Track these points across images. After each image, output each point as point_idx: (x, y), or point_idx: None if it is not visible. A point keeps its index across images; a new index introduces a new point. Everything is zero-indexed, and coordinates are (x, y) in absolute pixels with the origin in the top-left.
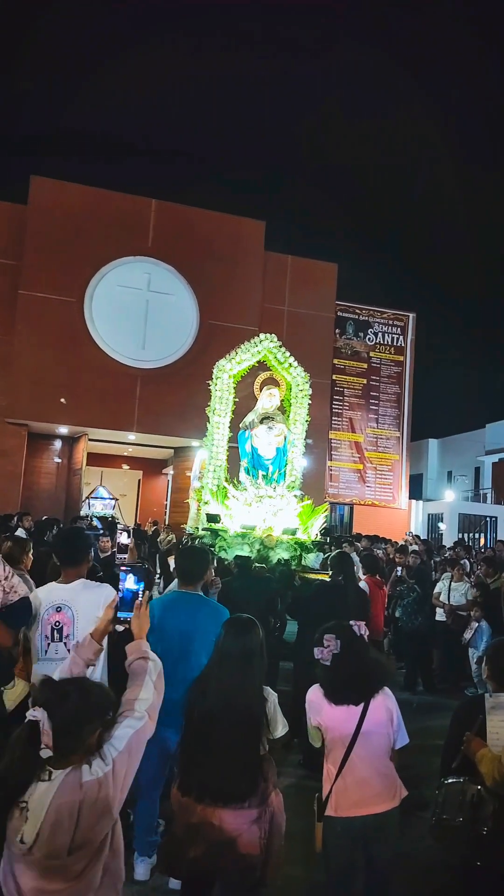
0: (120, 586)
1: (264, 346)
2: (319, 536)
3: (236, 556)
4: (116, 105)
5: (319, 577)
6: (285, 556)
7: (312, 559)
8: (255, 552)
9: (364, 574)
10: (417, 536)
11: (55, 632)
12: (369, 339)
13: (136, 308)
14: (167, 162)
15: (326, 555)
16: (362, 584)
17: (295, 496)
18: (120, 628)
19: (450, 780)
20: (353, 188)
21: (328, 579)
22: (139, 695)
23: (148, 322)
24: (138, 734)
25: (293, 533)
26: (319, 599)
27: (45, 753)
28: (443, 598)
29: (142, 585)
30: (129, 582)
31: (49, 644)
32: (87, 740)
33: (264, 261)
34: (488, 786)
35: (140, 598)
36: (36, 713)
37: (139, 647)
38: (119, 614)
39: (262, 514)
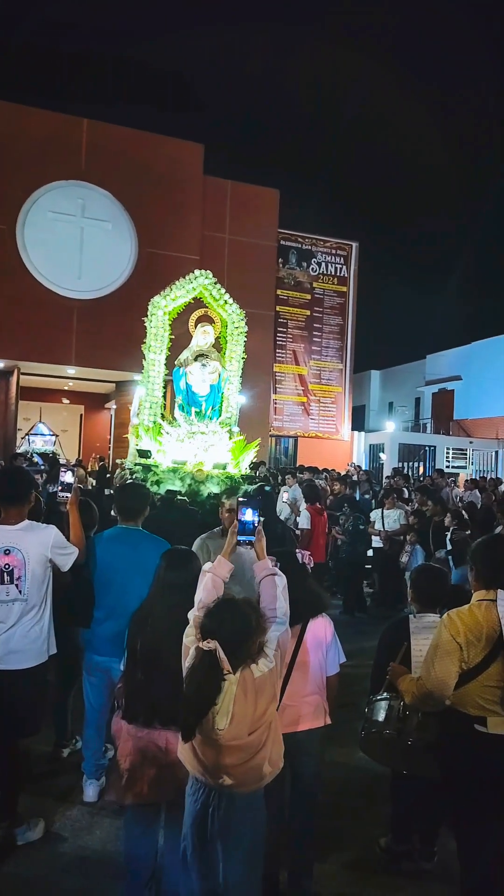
0: (238, 517)
1: (199, 283)
2: (249, 470)
3: (166, 490)
4: (45, 14)
5: None
6: (216, 490)
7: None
8: (187, 486)
9: (306, 504)
10: (359, 467)
11: (4, 574)
12: (312, 269)
13: (71, 236)
14: (97, 79)
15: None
16: (304, 514)
17: (229, 432)
18: (247, 548)
19: (377, 697)
20: (293, 111)
21: None
22: (277, 605)
23: (83, 251)
24: (283, 635)
25: (224, 467)
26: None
27: (231, 678)
28: (377, 525)
29: (257, 514)
30: (248, 514)
31: None
32: (252, 649)
33: (203, 186)
34: (407, 703)
35: (259, 526)
36: (210, 644)
37: (266, 565)
38: (239, 538)
39: (193, 450)
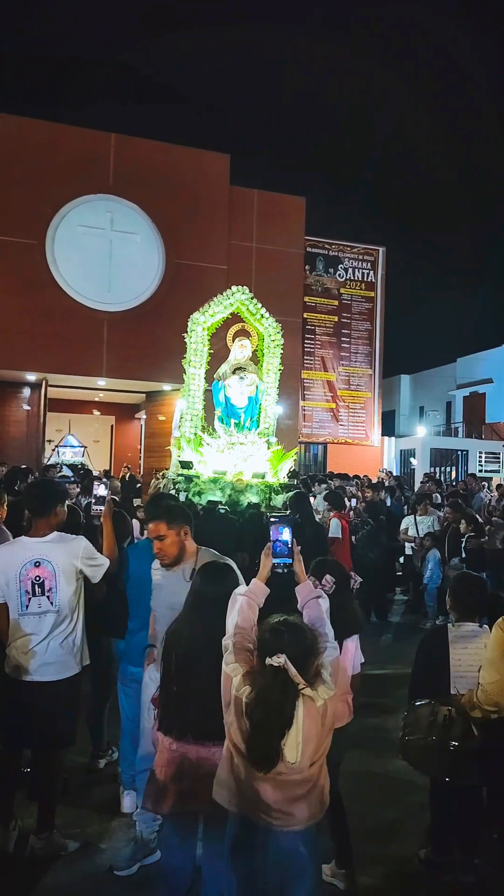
0: (272, 536)
1: (236, 299)
2: (287, 479)
3: (208, 500)
4: (69, 34)
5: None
6: (255, 499)
7: (281, 501)
8: (227, 496)
9: (332, 511)
10: (389, 472)
11: (36, 586)
12: (339, 275)
13: (100, 249)
14: (124, 95)
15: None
16: (335, 521)
17: (267, 442)
18: (279, 571)
19: (420, 703)
20: (319, 120)
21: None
22: (326, 629)
23: (112, 263)
24: (336, 660)
25: (262, 476)
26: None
27: (308, 691)
28: (411, 532)
29: (291, 535)
30: (284, 534)
31: (31, 599)
32: (310, 671)
33: (230, 196)
34: (476, 717)
35: (296, 547)
36: (280, 659)
37: (309, 588)
38: (275, 561)
39: (233, 460)
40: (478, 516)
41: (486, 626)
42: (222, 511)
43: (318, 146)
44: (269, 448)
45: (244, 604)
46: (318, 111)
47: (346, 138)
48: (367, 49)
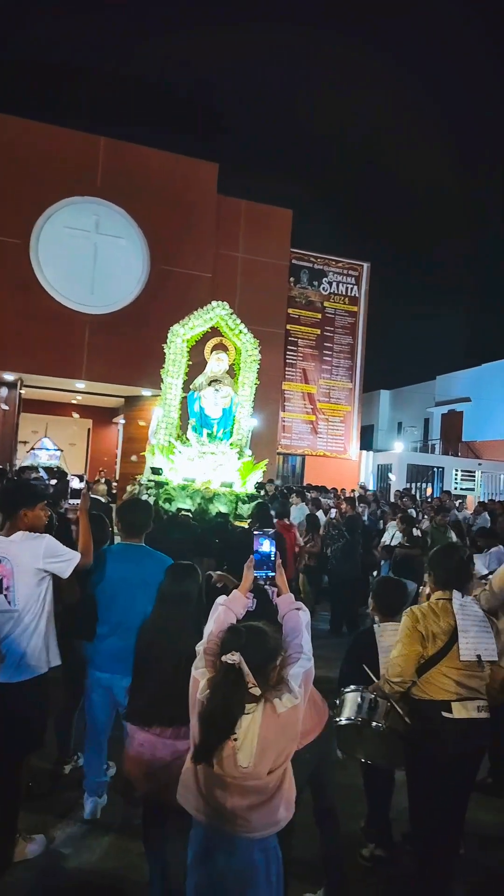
0: (255, 548)
1: (216, 313)
2: (254, 490)
3: (177, 508)
4: (63, 34)
5: (243, 525)
6: (224, 509)
7: (246, 511)
8: (196, 504)
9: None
10: (364, 487)
11: None
12: (324, 288)
13: (85, 251)
14: (116, 99)
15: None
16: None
17: (239, 452)
18: (261, 584)
19: (347, 690)
20: (308, 132)
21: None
22: (302, 640)
23: (97, 266)
24: (307, 672)
25: (230, 486)
26: (239, 544)
27: (256, 691)
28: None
29: (273, 547)
30: (265, 546)
31: None
32: (270, 677)
33: (217, 205)
34: (386, 690)
35: (278, 560)
36: (234, 657)
37: (290, 599)
38: (256, 573)
39: (203, 469)
40: (418, 531)
41: None
42: (185, 516)
43: (307, 160)
44: (239, 458)
45: (221, 612)
46: (308, 125)
47: (335, 154)
48: (358, 63)
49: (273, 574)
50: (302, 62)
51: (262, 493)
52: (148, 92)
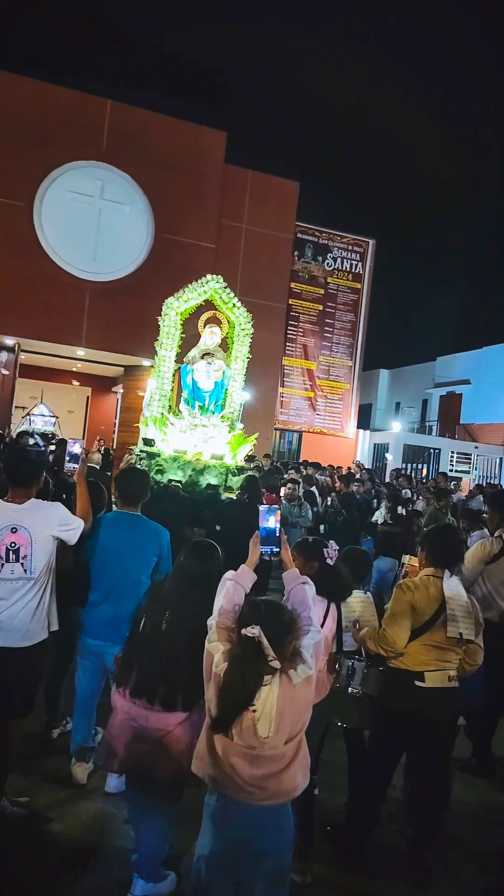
0: (260, 524)
1: (210, 287)
2: (244, 462)
3: (168, 479)
4: None
5: (232, 496)
6: (214, 481)
7: (236, 483)
8: (187, 476)
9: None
10: (360, 464)
11: (10, 552)
12: (328, 263)
13: (88, 217)
14: (124, 61)
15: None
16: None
17: (231, 425)
18: (267, 558)
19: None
20: (318, 106)
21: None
22: (311, 613)
23: (100, 232)
24: (317, 644)
25: (221, 458)
26: (229, 514)
27: (276, 664)
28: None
29: (279, 523)
30: (271, 521)
31: (3, 564)
32: (287, 649)
33: (223, 174)
34: (370, 649)
35: (283, 535)
36: (254, 630)
37: (295, 574)
38: (262, 549)
39: (194, 441)
40: (401, 510)
41: (369, 592)
42: (175, 487)
43: (316, 133)
44: (230, 431)
45: (230, 587)
46: (319, 98)
47: (344, 129)
48: (367, 38)
49: (278, 549)
50: (313, 35)
51: (252, 465)
52: (156, 58)
